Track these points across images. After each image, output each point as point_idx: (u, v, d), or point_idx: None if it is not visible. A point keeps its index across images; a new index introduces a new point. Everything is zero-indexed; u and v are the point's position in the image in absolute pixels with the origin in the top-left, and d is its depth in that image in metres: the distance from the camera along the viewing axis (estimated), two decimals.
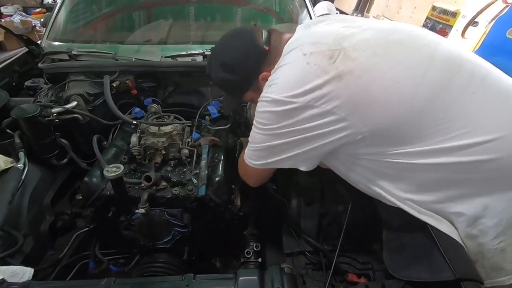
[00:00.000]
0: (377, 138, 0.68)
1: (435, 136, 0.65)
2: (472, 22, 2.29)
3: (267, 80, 0.77)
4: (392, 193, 0.74)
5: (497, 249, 0.69)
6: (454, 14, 2.43)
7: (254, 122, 0.78)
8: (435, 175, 0.69)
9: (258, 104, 0.75)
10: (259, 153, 0.79)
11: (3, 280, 0.66)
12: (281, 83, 0.70)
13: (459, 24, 2.40)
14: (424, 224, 0.72)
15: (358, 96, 0.65)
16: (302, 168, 0.78)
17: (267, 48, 0.80)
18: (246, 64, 0.82)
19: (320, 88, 0.65)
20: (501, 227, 0.68)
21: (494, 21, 2.11)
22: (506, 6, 2.01)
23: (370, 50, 0.66)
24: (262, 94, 0.74)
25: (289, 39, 0.79)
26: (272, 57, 0.80)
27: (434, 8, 2.65)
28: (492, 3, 2.09)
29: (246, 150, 0.84)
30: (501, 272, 0.71)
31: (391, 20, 3.67)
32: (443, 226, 0.71)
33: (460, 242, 0.70)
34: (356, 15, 4.05)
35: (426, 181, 0.70)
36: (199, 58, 1.38)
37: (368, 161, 0.73)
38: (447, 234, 0.70)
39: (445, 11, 2.52)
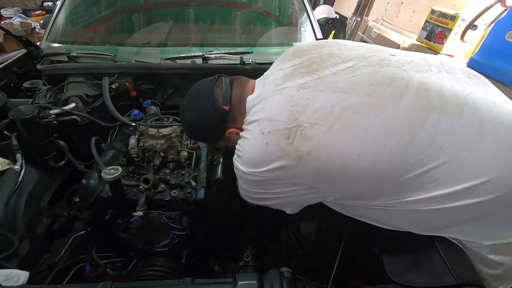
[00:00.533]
0: (352, 198, 0.70)
1: (415, 188, 0.63)
2: (471, 26, 2.30)
3: (235, 133, 0.81)
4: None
5: (496, 263, 0.68)
6: (453, 18, 2.43)
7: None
8: (425, 217, 0.66)
9: (233, 162, 0.78)
10: (246, 193, 0.82)
11: None
12: (245, 158, 0.73)
13: (458, 28, 2.41)
14: None
15: (319, 174, 0.66)
16: (288, 212, 0.81)
17: (227, 108, 0.81)
18: (209, 126, 0.85)
19: (284, 168, 0.67)
20: (496, 243, 0.67)
21: (493, 24, 2.11)
22: (505, 9, 2.02)
23: (326, 124, 0.63)
24: (234, 157, 0.77)
25: (252, 89, 0.81)
26: (235, 114, 0.81)
27: (433, 11, 2.65)
28: (491, 6, 2.10)
29: (239, 186, 0.85)
30: (501, 282, 0.70)
31: (390, 23, 3.68)
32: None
33: (460, 246, 0.70)
34: (355, 19, 4.06)
35: (416, 220, 0.69)
36: (199, 61, 1.38)
37: (353, 207, 0.75)
38: (447, 238, 0.70)
39: (444, 15, 2.53)
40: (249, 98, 0.78)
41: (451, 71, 0.72)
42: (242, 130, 0.77)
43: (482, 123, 0.61)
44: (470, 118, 0.62)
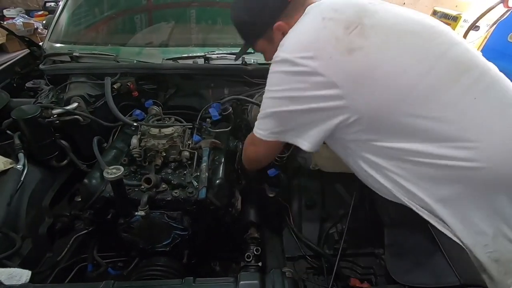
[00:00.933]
0: (369, 125, 0.70)
1: (428, 134, 0.66)
2: (474, 26, 2.29)
3: (281, 31, 0.80)
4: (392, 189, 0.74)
5: (492, 260, 0.67)
6: (455, 19, 2.44)
7: (266, 88, 0.79)
8: (422, 170, 0.69)
9: (270, 66, 0.76)
10: (266, 120, 0.79)
11: (0, 282, 0.65)
12: (294, 42, 0.72)
13: (460, 29, 2.41)
14: (427, 228, 0.71)
15: (361, 73, 0.67)
16: (304, 147, 0.77)
17: None
18: (265, 8, 0.83)
19: (330, 57, 0.67)
20: (490, 236, 0.67)
21: (495, 25, 2.11)
22: (508, 10, 2.01)
23: (385, 33, 0.68)
24: (275, 54, 0.75)
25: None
26: (292, 10, 0.81)
27: (435, 12, 2.66)
28: (494, 7, 2.09)
29: (256, 123, 0.84)
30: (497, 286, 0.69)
31: None
32: (443, 229, 0.70)
33: (462, 246, 0.69)
34: None
35: (414, 174, 0.70)
36: (201, 61, 1.38)
37: (359, 146, 0.75)
38: (449, 238, 0.69)
39: (446, 16, 2.53)
40: (313, 4, 0.79)
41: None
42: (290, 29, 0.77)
43: (510, 104, 0.67)
44: (500, 95, 0.68)
